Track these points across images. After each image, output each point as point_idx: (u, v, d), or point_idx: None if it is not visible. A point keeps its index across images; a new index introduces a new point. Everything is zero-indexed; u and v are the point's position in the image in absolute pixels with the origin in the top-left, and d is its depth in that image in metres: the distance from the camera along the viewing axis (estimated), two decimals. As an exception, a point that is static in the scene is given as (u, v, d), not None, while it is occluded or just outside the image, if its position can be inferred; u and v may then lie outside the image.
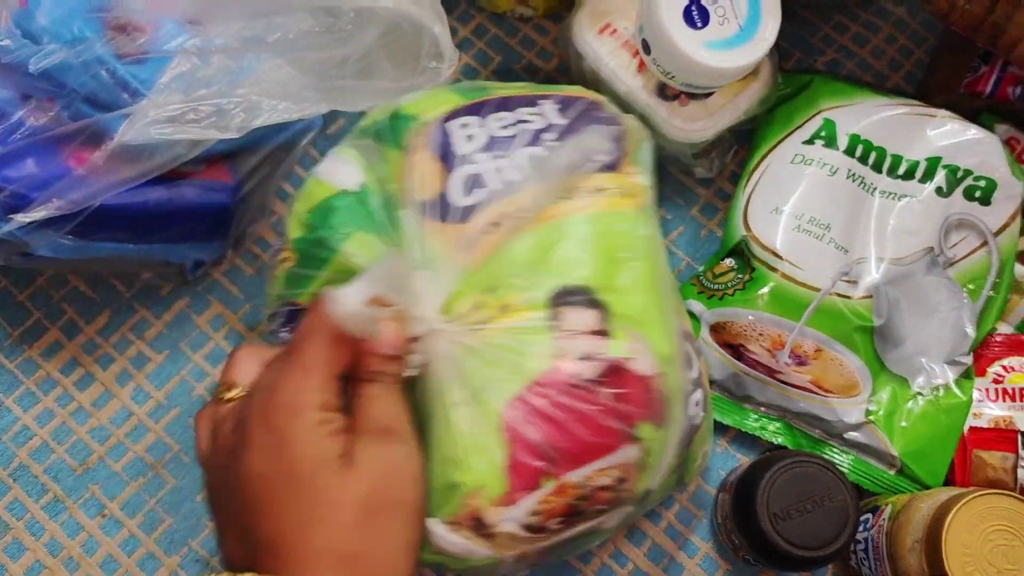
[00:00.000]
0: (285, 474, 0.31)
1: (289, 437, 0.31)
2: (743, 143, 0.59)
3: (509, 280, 0.35)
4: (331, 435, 0.32)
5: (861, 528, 0.50)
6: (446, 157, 0.37)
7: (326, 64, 0.47)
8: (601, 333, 0.35)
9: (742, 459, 0.55)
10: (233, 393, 0.35)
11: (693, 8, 0.50)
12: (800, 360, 0.52)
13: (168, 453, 0.53)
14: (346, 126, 0.60)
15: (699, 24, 0.50)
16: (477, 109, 0.38)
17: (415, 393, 0.36)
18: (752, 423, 0.54)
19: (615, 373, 0.36)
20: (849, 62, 0.63)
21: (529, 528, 0.36)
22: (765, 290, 0.52)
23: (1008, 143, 0.56)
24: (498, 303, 0.35)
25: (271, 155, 0.53)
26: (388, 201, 0.38)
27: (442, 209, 0.36)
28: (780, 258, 0.52)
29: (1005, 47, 0.55)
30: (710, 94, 0.54)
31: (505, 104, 0.39)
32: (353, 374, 0.34)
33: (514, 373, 0.35)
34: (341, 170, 0.39)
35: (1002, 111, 0.58)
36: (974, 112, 0.59)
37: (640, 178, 0.40)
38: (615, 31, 0.55)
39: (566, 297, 0.35)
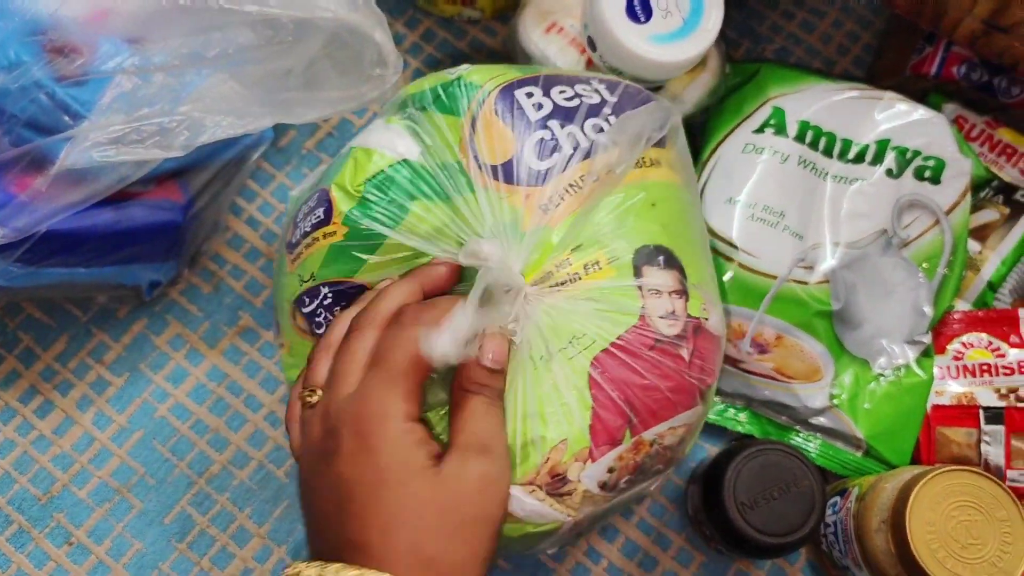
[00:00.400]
0: (373, 480, 0.33)
1: (377, 445, 0.33)
2: (695, 134, 0.59)
3: (593, 240, 0.37)
4: (417, 444, 0.33)
5: (830, 512, 0.50)
6: (516, 122, 0.38)
7: (270, 77, 0.46)
8: (681, 292, 0.37)
9: (710, 450, 0.55)
10: (316, 397, 0.36)
11: (636, 3, 0.51)
12: (761, 348, 0.52)
13: (133, 476, 0.53)
14: (297, 138, 0.59)
15: (642, 19, 0.50)
16: (536, 81, 0.39)
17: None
18: (718, 414, 0.54)
19: (695, 332, 0.38)
20: (797, 49, 0.63)
21: (603, 486, 0.37)
22: (724, 279, 0.52)
23: (956, 122, 0.57)
24: (583, 262, 0.36)
25: (222, 171, 0.53)
26: (448, 168, 0.38)
27: (517, 172, 0.37)
28: (736, 248, 0.52)
29: (947, 28, 0.56)
30: (659, 88, 0.54)
31: (560, 79, 0.40)
32: (456, 381, 0.36)
33: (601, 330, 0.36)
34: (396, 140, 0.38)
35: (949, 91, 0.58)
36: (922, 93, 0.59)
37: (681, 154, 0.42)
38: (561, 29, 0.55)
39: (648, 257, 0.37)
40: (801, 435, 0.53)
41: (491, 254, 0.36)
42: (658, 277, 0.38)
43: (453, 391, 0.36)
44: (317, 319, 0.41)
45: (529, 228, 0.36)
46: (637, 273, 0.37)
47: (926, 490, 0.44)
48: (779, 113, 0.55)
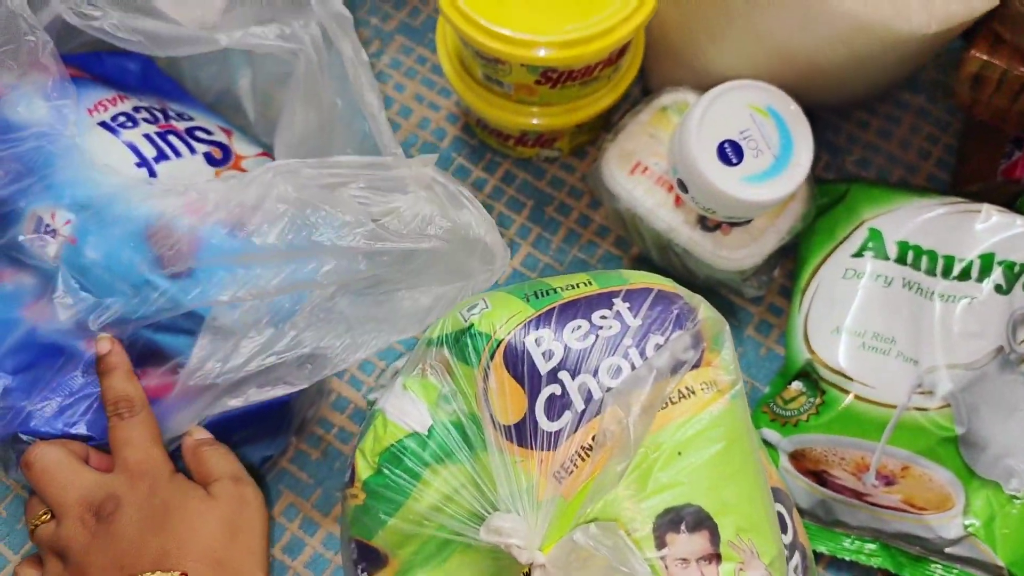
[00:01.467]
0: (161, 508, 0.42)
1: (157, 486, 0.42)
2: (787, 255, 0.59)
3: (611, 510, 0.35)
4: (186, 481, 0.44)
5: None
6: (526, 378, 0.36)
7: (378, 287, 0.46)
8: (712, 557, 0.34)
9: (842, 585, 0.53)
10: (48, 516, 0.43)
11: (727, 146, 0.51)
12: (888, 480, 0.50)
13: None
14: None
15: (734, 160, 0.51)
16: (548, 319, 0.38)
17: None
18: (847, 548, 0.52)
19: None
20: (877, 157, 0.63)
21: None
22: (840, 408, 0.51)
23: (1054, 224, 0.56)
24: (601, 537, 0.33)
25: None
26: (466, 423, 0.37)
27: (530, 435, 0.36)
28: (850, 379, 0.51)
29: (1037, 132, 0.55)
30: (751, 220, 0.54)
31: (576, 309, 0.38)
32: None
33: None
34: (409, 410, 0.38)
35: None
36: (1013, 197, 0.59)
37: (725, 367, 0.39)
38: (646, 169, 0.56)
39: (671, 523, 0.34)
40: (938, 566, 0.51)
41: (514, 531, 0.34)
42: (684, 545, 0.34)
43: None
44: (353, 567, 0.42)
45: (544, 498, 0.35)
46: (659, 544, 0.34)
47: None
48: (876, 235, 0.54)
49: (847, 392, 0.51)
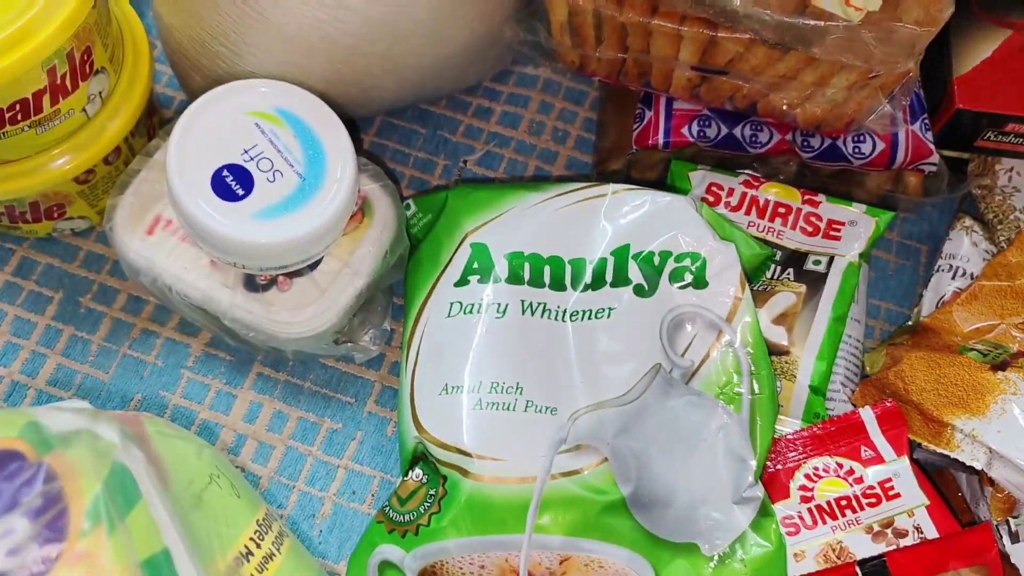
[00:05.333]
0: None
1: None
2: (399, 291, 0.45)
3: None
4: None
5: None
6: None
7: None
8: None
9: None
10: None
11: (225, 174, 0.36)
12: (546, 582, 0.37)
13: None
14: None
15: (240, 192, 0.36)
16: None
17: None
18: None
19: None
20: (507, 150, 0.50)
21: None
22: (459, 503, 0.37)
23: (710, 191, 0.45)
24: None
25: None
26: None
27: None
28: (469, 455, 0.37)
29: (660, 83, 0.44)
30: (316, 263, 0.40)
31: None
32: None
33: None
34: None
35: (688, 157, 0.46)
36: (662, 167, 0.47)
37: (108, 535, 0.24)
38: (169, 223, 0.40)
39: None
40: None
41: None
42: None
43: None
44: None
45: None
46: None
47: None
48: (481, 251, 0.41)
49: (468, 473, 0.37)
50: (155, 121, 0.47)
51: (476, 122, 0.51)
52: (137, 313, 0.45)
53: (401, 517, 0.38)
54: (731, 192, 0.44)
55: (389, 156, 0.49)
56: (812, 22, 0.37)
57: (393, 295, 0.45)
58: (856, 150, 0.44)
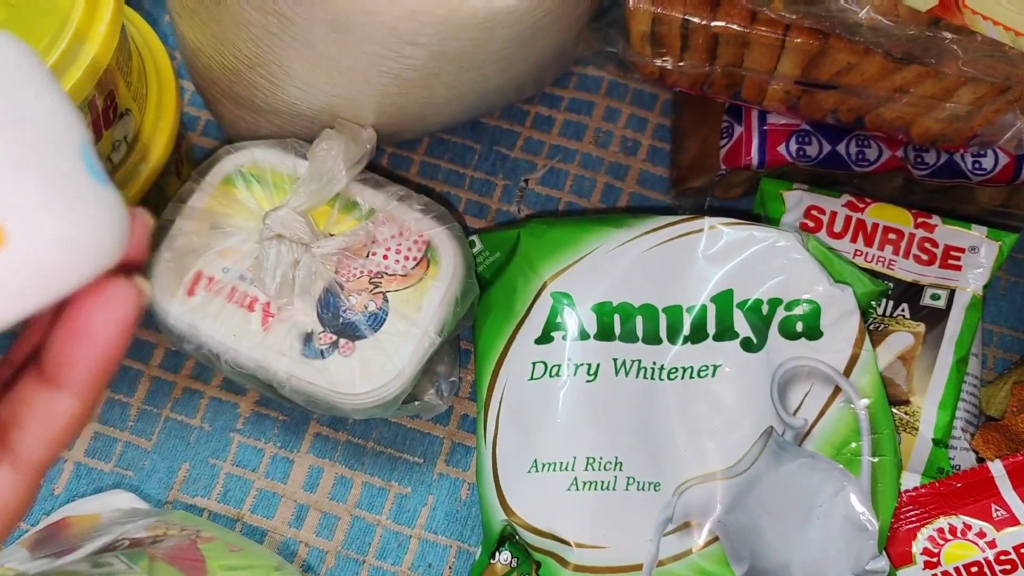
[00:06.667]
0: None
1: None
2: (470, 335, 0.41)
3: None
4: None
5: None
6: None
7: None
8: None
9: None
10: None
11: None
12: (657, 676, 0.33)
13: None
14: None
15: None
16: None
17: None
18: None
19: None
20: (571, 165, 0.45)
21: None
22: (567, 590, 0.33)
23: (809, 215, 0.40)
24: None
25: None
26: None
27: None
28: (568, 543, 0.33)
29: (752, 95, 0.39)
30: (381, 323, 0.35)
31: None
32: None
33: None
34: None
35: (779, 175, 0.41)
36: (750, 185, 0.42)
37: None
38: (212, 280, 0.36)
39: None
40: None
41: None
42: None
43: None
44: None
45: None
46: None
47: None
48: (563, 302, 0.36)
49: (567, 563, 0.33)
50: (183, 152, 0.42)
51: (536, 134, 0.46)
52: (177, 371, 0.41)
53: (491, 605, 0.35)
54: (834, 216, 0.40)
55: (442, 178, 0.45)
56: (950, 35, 0.32)
57: (460, 342, 0.41)
58: (976, 165, 0.39)
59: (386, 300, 0.36)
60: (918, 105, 0.37)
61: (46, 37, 0.30)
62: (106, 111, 0.33)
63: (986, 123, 0.37)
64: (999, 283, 0.44)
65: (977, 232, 0.39)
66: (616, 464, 0.34)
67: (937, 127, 0.38)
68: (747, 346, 0.35)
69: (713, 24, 0.36)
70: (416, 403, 0.38)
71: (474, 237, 0.40)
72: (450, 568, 0.38)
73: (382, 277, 0.36)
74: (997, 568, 0.36)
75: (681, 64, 0.38)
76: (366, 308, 0.36)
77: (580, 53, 0.38)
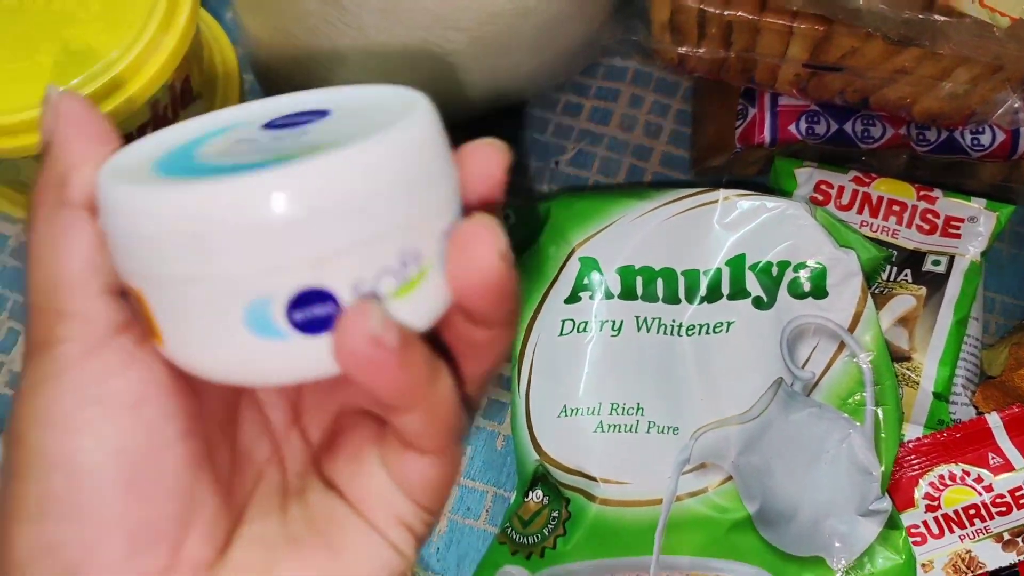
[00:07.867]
0: None
1: None
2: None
3: None
4: None
5: None
6: None
7: None
8: None
9: None
10: None
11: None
12: (675, 602, 0.37)
13: None
14: None
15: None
16: None
17: None
18: None
19: None
20: (599, 148, 0.49)
21: None
22: (590, 523, 0.37)
23: (818, 189, 0.43)
24: None
25: None
26: None
27: None
28: (595, 479, 0.37)
29: (764, 79, 0.42)
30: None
31: None
32: None
33: None
34: None
35: (791, 153, 0.44)
36: (764, 163, 0.46)
37: None
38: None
39: None
40: None
41: None
42: None
43: None
44: None
45: None
46: None
47: None
48: (591, 266, 0.40)
49: (594, 497, 0.37)
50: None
51: (566, 119, 0.49)
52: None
53: (525, 539, 0.38)
54: (841, 190, 0.43)
55: (479, 160, 0.48)
56: (942, 18, 0.36)
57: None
58: (975, 142, 0.42)
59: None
60: (919, 85, 0.40)
61: (135, 26, 0.34)
62: (183, 93, 0.37)
63: (982, 101, 0.40)
64: (1001, 254, 0.46)
65: (976, 204, 0.42)
66: (638, 409, 0.38)
67: (937, 106, 0.41)
68: (758, 304, 0.39)
69: (726, 12, 0.39)
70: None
71: (508, 211, 0.44)
72: (487, 510, 0.42)
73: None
74: (993, 510, 0.38)
75: (699, 51, 0.42)
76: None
77: (605, 41, 0.42)
